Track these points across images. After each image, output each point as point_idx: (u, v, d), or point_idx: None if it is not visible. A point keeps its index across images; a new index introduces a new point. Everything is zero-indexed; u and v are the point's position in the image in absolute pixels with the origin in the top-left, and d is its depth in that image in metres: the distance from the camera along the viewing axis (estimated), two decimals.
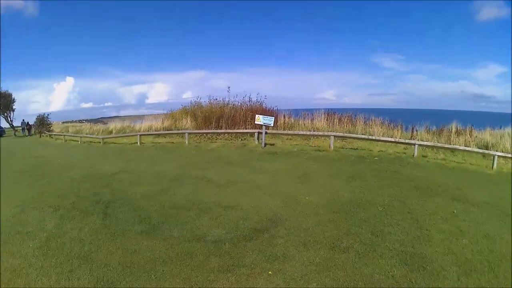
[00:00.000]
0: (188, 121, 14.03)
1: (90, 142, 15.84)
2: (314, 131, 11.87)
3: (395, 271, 3.03)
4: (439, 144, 9.80)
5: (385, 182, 6.29)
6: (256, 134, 11.01)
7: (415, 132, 11.86)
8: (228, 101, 13.70)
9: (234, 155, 9.46)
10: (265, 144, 10.44)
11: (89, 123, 29.04)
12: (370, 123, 12.65)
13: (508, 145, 10.24)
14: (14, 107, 29.89)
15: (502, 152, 9.20)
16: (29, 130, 27.39)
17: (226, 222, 4.25)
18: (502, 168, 8.60)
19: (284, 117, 13.42)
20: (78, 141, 16.43)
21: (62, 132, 20.39)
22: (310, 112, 13.79)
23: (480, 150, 9.36)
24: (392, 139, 10.05)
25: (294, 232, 3.89)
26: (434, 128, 12.34)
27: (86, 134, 17.95)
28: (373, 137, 10.40)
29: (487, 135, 11.55)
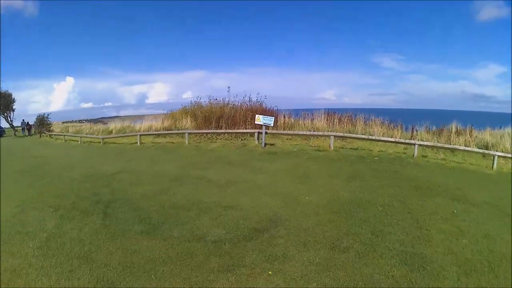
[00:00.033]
0: (188, 121, 14.03)
1: (90, 142, 15.84)
2: (314, 131, 11.87)
3: (395, 271, 3.03)
4: (439, 144, 9.80)
5: (385, 182, 6.29)
6: (256, 134, 11.01)
7: (415, 132, 11.86)
8: (228, 101, 13.73)
9: (234, 155, 9.46)
10: (265, 144, 10.44)
11: (89, 123, 29.03)
12: (370, 123, 12.65)
13: (508, 145, 10.24)
14: (14, 107, 29.92)
15: (502, 152, 9.20)
16: (29, 130, 27.38)
17: (226, 222, 4.25)
18: (502, 168, 8.60)
19: (284, 117, 13.42)
20: (78, 141, 16.44)
21: (62, 132, 20.39)
22: (310, 112, 13.79)
23: (480, 150, 9.36)
24: (392, 139, 10.05)
25: (294, 232, 3.89)
26: (434, 128, 12.34)
27: (86, 134, 17.94)
28: (373, 137, 10.40)
29: (487, 135, 11.55)
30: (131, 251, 3.52)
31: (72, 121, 39.33)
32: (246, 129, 11.87)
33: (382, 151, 9.70)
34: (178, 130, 13.62)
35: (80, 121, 38.96)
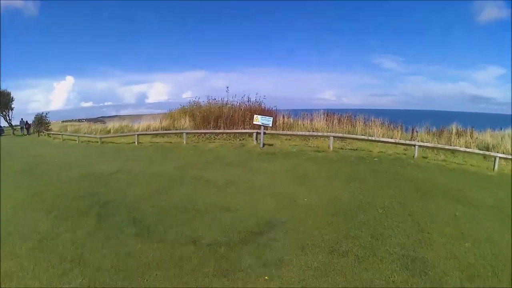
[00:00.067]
0: (187, 121, 13.92)
1: (88, 141, 15.74)
2: (313, 131, 11.77)
3: (395, 276, 2.93)
4: (439, 145, 9.72)
5: (385, 183, 6.20)
6: (254, 134, 10.92)
7: (415, 133, 11.77)
8: (227, 101, 13.62)
9: (232, 155, 9.36)
10: (264, 145, 10.35)
11: (89, 122, 28.91)
12: (370, 124, 12.53)
13: (509, 147, 10.16)
14: (12, 106, 29.87)
15: (503, 153, 9.12)
16: (27, 129, 27.24)
17: (222, 225, 4.15)
18: (503, 169, 8.52)
19: (283, 117, 13.30)
20: (76, 140, 16.34)
21: (61, 131, 20.28)
22: (309, 113, 13.67)
23: (481, 152, 9.27)
24: (392, 140, 9.95)
25: (291, 235, 3.80)
26: (434, 129, 12.25)
27: (84, 133, 17.84)
28: (373, 138, 10.31)
29: (487, 136, 11.48)
30: (124, 254, 3.44)
31: (71, 120, 39.22)
32: (244, 129, 11.77)
33: (382, 152, 9.61)
34: (176, 130, 13.52)
35: (79, 120, 38.85)
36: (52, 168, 8.71)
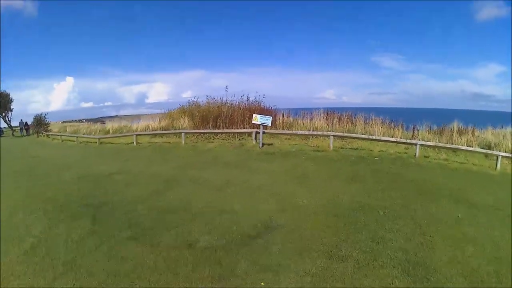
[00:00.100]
0: (186, 121, 13.81)
1: (87, 142, 15.66)
2: (313, 130, 11.63)
3: (397, 282, 2.82)
4: (441, 144, 9.58)
5: (386, 184, 6.09)
6: (253, 134, 10.80)
7: (416, 132, 11.63)
8: (226, 100, 13.49)
9: (231, 155, 9.25)
10: (263, 144, 10.24)
11: (88, 123, 28.83)
12: (370, 123, 12.38)
13: (510, 145, 10.01)
14: (12, 107, 29.79)
15: (505, 152, 8.98)
16: (27, 130, 27.19)
17: (218, 227, 4.05)
18: (505, 168, 8.38)
19: (283, 116, 13.18)
20: (74, 141, 16.26)
21: (60, 132, 20.20)
22: (309, 112, 13.52)
23: (483, 151, 9.13)
24: (393, 139, 9.81)
25: (289, 239, 3.69)
26: (435, 127, 12.11)
27: (83, 134, 17.76)
28: (374, 137, 10.17)
29: (488, 134, 11.33)
30: (117, 259, 3.35)
31: (71, 121, 39.20)
32: (244, 128, 11.65)
33: (382, 151, 9.48)
34: (175, 130, 13.41)
35: (80, 121, 38.81)
36: (50, 169, 8.63)
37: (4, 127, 29.43)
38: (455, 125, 11.72)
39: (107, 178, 7.05)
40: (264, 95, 13.65)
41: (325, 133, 10.65)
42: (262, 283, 2.82)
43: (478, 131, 11.62)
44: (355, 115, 12.90)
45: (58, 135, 19.15)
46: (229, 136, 11.89)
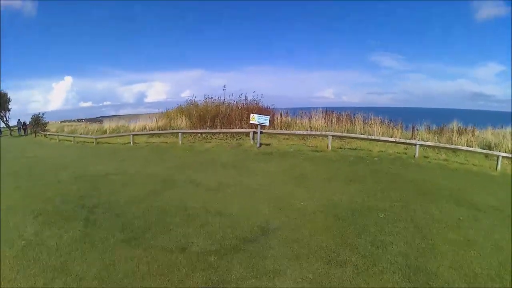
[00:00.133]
0: (183, 121, 13.68)
1: (84, 142, 15.53)
2: (311, 130, 11.52)
3: None
4: (441, 144, 9.50)
5: (385, 185, 5.99)
6: (251, 134, 10.69)
7: (415, 132, 11.54)
8: (224, 100, 13.35)
9: (228, 155, 9.14)
10: (261, 144, 10.13)
11: (87, 122, 28.71)
12: (370, 122, 12.27)
13: (510, 145, 9.93)
14: (9, 106, 29.63)
15: (505, 152, 8.90)
16: (25, 130, 27.04)
17: (213, 231, 3.93)
18: (505, 169, 8.31)
19: (281, 116, 13.06)
20: (71, 141, 16.13)
21: (58, 132, 20.07)
22: (307, 111, 13.41)
23: (484, 151, 9.05)
24: (392, 139, 9.72)
25: (286, 243, 3.58)
26: (434, 127, 12.02)
27: (80, 134, 17.64)
28: (373, 137, 10.08)
29: (488, 134, 11.26)
30: (109, 263, 3.24)
31: (70, 121, 39.07)
32: (241, 128, 11.53)
33: (382, 151, 9.39)
34: (172, 129, 13.28)
35: (79, 120, 38.70)
36: (46, 169, 8.52)
37: (2, 127, 29.30)
38: (455, 125, 11.65)
39: (103, 178, 6.94)
40: (262, 94, 13.53)
41: (323, 133, 10.54)
42: None
43: (478, 131, 11.54)
44: (354, 114, 12.79)
45: (56, 135, 19.02)
46: (226, 136, 11.77)
